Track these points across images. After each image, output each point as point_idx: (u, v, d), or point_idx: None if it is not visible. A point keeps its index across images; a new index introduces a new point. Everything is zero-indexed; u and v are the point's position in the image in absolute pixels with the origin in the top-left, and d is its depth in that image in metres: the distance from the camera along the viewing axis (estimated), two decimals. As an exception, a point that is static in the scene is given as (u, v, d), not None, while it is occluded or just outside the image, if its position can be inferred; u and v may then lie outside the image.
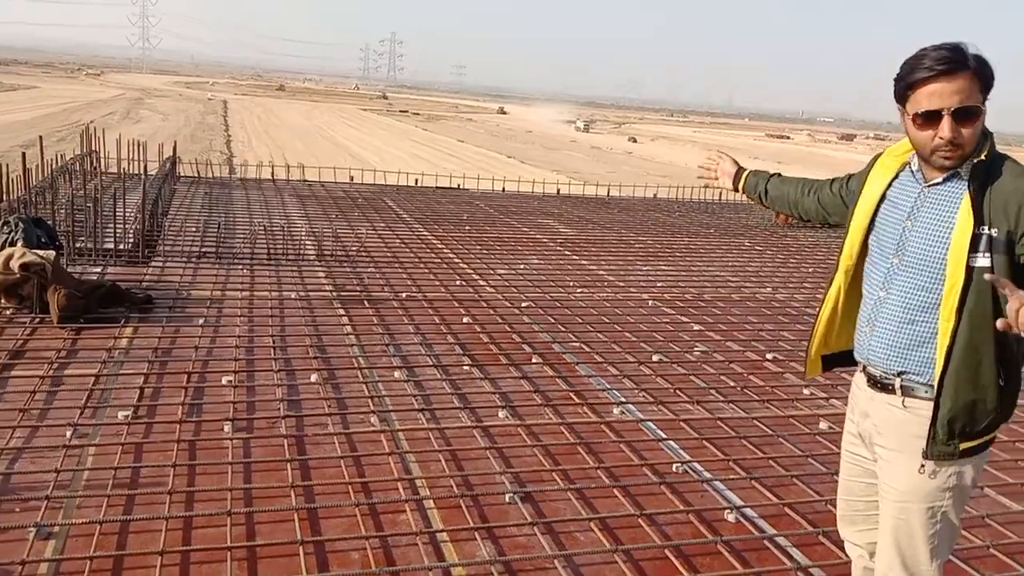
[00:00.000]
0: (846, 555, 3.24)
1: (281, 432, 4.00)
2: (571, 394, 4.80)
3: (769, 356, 5.84)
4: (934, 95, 1.97)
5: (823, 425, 4.64)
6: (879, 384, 2.19)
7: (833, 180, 2.58)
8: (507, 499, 3.52)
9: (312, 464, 3.71)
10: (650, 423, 4.48)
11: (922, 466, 2.10)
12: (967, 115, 1.98)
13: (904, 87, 2.04)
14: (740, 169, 2.82)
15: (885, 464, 2.19)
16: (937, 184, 2.09)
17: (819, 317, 2.38)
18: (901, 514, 2.15)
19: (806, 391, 5.17)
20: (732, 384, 5.21)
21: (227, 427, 4.01)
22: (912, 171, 2.17)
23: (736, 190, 2.79)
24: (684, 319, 6.69)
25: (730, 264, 9.26)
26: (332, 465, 3.71)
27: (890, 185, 2.21)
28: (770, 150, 70.27)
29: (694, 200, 15.18)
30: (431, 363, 5.12)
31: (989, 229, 1.97)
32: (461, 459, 3.88)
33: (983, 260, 1.97)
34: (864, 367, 2.26)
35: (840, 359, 2.42)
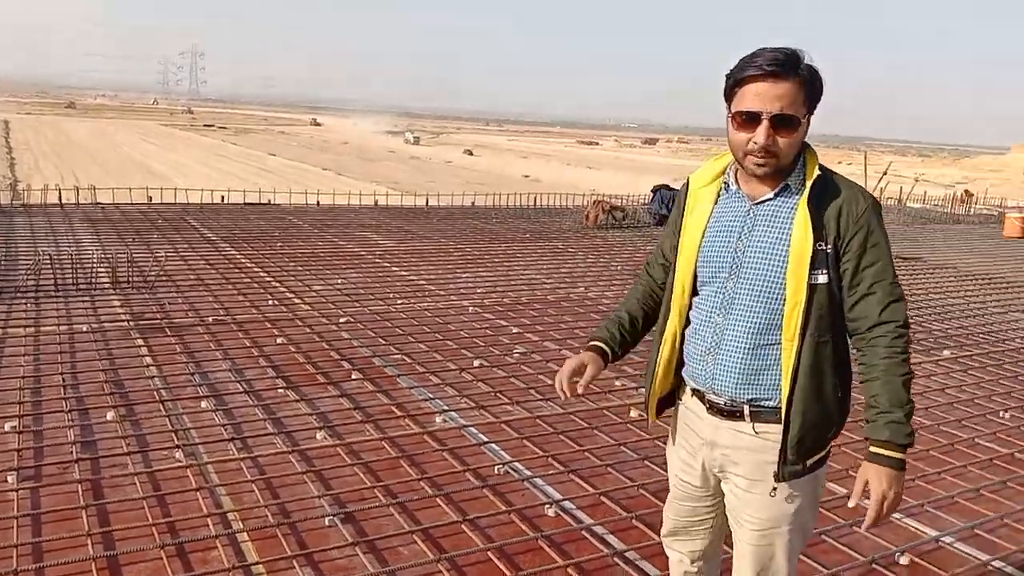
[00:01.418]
0: (658, 537, 3.43)
1: (74, 477, 3.68)
2: (392, 407, 4.75)
3: (584, 353, 6.04)
4: (757, 96, 1.87)
5: (633, 414, 4.86)
6: (724, 412, 2.05)
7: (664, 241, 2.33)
8: (327, 522, 3.42)
9: (111, 508, 3.44)
10: (472, 428, 4.51)
11: (774, 489, 2.03)
12: (786, 124, 1.88)
13: (732, 83, 1.92)
14: (593, 348, 2.28)
15: (743, 494, 2.07)
16: (767, 201, 1.99)
17: (656, 362, 2.18)
18: (763, 540, 2.07)
19: (617, 383, 5.40)
20: (549, 383, 5.34)
21: (11, 478, 3.64)
22: (732, 191, 2.05)
23: (609, 363, 2.27)
24: (503, 323, 6.81)
25: (545, 267, 9.53)
26: (133, 507, 3.46)
27: (712, 211, 2.07)
28: (581, 155, 73.15)
29: (510, 206, 15.50)
30: (242, 389, 4.89)
31: (825, 245, 1.92)
32: (276, 487, 3.74)
33: (823, 277, 1.92)
34: (703, 395, 2.10)
35: (671, 397, 2.24)
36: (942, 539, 3.58)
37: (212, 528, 3.32)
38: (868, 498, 1.93)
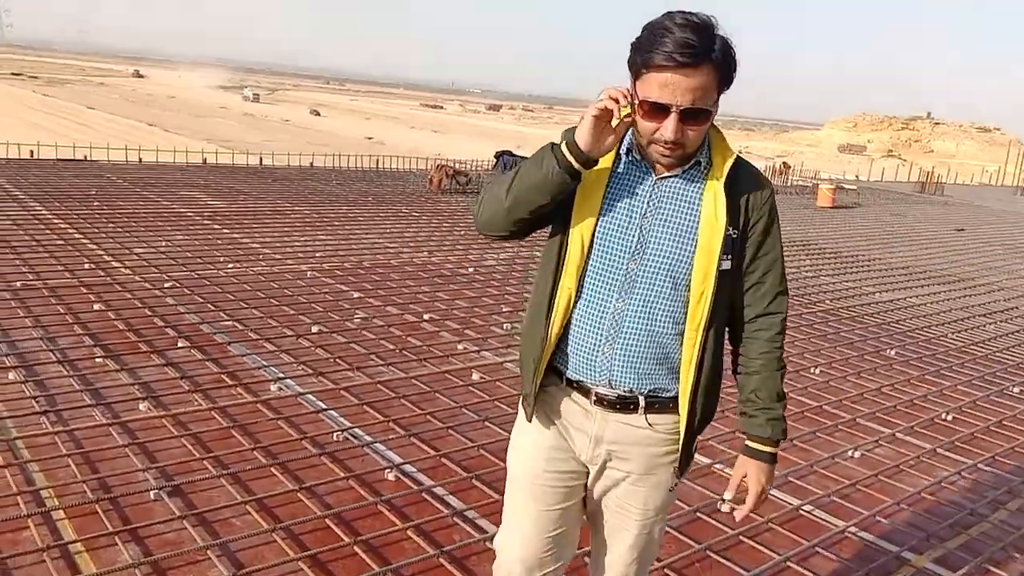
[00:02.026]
0: (497, 495, 3.49)
1: None
2: (223, 376, 4.54)
3: (426, 317, 6.03)
4: (667, 87, 1.66)
5: (475, 376, 4.91)
6: (616, 405, 1.87)
7: None
8: (152, 496, 3.23)
9: None
10: (310, 395, 4.40)
11: (675, 484, 1.96)
12: (696, 116, 1.69)
13: (639, 63, 1.69)
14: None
15: (630, 487, 1.94)
16: (674, 177, 1.81)
17: (543, 344, 1.88)
18: (645, 530, 1.99)
19: (459, 346, 5.42)
20: (391, 347, 5.29)
21: None
22: (634, 158, 1.83)
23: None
24: (344, 288, 6.66)
25: (388, 231, 9.39)
26: (-75, 491, 3.13)
27: (610, 177, 1.83)
28: (426, 119, 72.46)
29: (352, 168, 15.13)
30: (55, 359, 4.52)
31: (734, 231, 1.80)
32: (96, 461, 3.49)
33: (727, 263, 1.79)
34: (587, 388, 1.88)
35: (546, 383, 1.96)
36: (802, 508, 3.82)
37: (23, 507, 3.07)
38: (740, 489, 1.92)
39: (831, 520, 3.63)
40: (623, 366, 1.84)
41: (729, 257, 1.80)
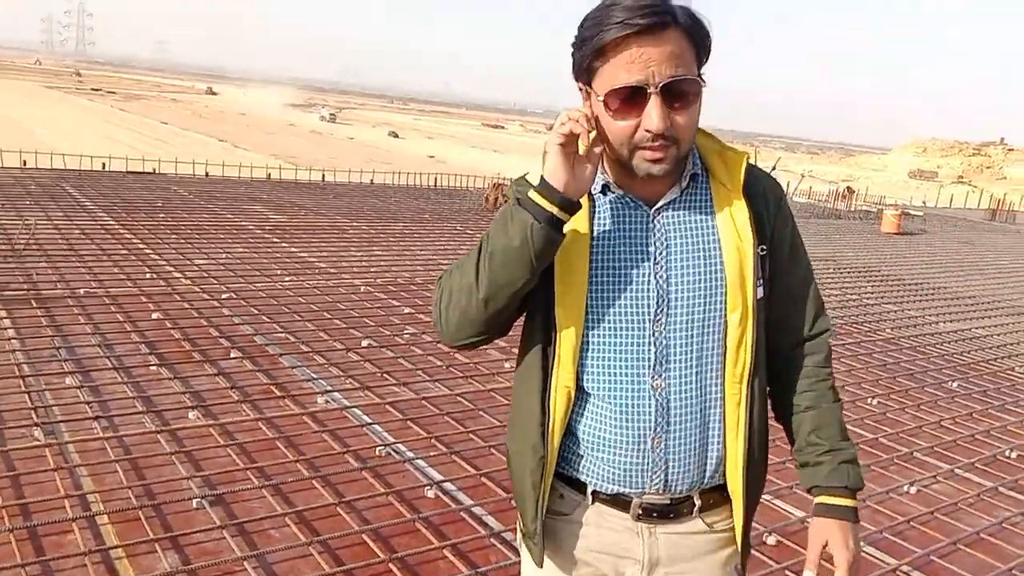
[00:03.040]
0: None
1: (-86, 458, 3.41)
2: (272, 387, 4.60)
3: (475, 334, 6.01)
4: (635, 63, 1.28)
5: (521, 396, 4.87)
6: (666, 513, 1.46)
7: None
8: (194, 504, 3.28)
9: (-46, 491, 3.20)
10: (355, 409, 4.42)
11: None
12: (683, 94, 1.31)
13: (589, 56, 1.32)
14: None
15: None
16: (673, 203, 1.43)
17: (544, 456, 1.45)
18: None
19: (506, 365, 5.40)
20: (439, 363, 5.30)
21: None
22: (615, 194, 1.44)
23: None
24: (396, 303, 6.71)
25: (443, 247, 9.45)
26: (-20, 489, 3.23)
27: (593, 227, 1.43)
28: (489, 139, 73.08)
29: (411, 186, 15.31)
30: (111, 366, 4.64)
31: (758, 246, 1.43)
32: (143, 467, 3.56)
33: (760, 290, 1.44)
34: (627, 500, 1.45)
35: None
36: (807, 520, 3.74)
37: (69, 511, 3.14)
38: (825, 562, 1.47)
39: (884, 558, 3.49)
40: (680, 461, 1.42)
41: (762, 281, 1.45)
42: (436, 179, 15.89)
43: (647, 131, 1.31)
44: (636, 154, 1.35)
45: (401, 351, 5.47)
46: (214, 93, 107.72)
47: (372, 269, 7.90)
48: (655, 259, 1.41)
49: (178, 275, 6.84)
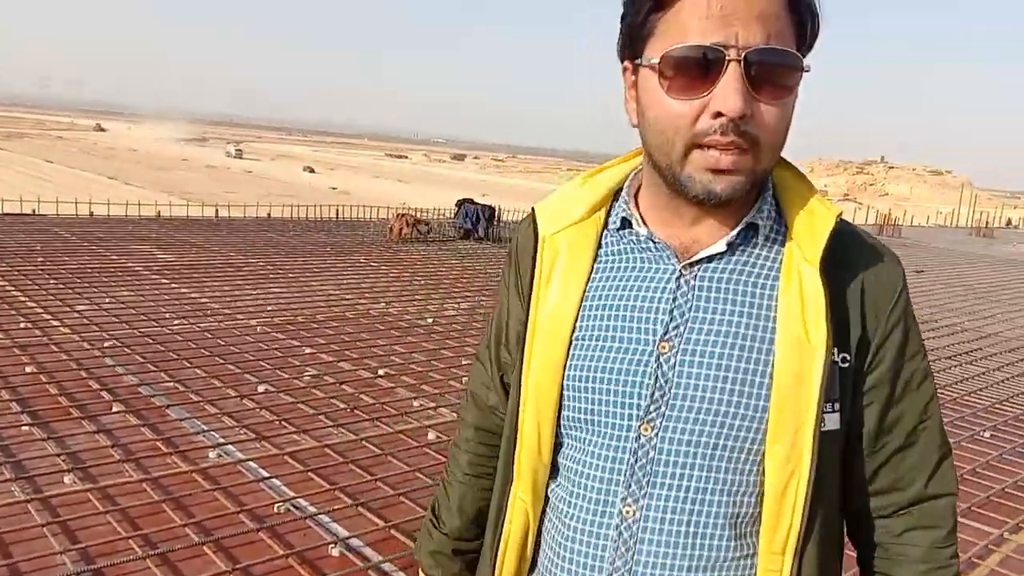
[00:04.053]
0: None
1: None
2: (158, 443, 4.23)
3: (381, 372, 5.77)
4: (711, 17, 0.86)
5: (431, 436, 4.65)
6: None
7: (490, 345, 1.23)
8: (66, 584, 2.93)
9: None
10: (251, 463, 4.11)
11: None
12: (776, 74, 0.89)
13: (646, 9, 0.90)
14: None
15: None
16: (717, 259, 0.98)
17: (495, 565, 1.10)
18: None
19: (415, 403, 5.17)
20: (342, 406, 5.02)
21: None
22: (637, 235, 1.02)
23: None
24: (295, 343, 6.38)
25: (345, 282, 9.14)
26: None
27: (591, 275, 1.04)
28: (391, 169, 72.71)
29: (311, 219, 14.90)
30: (-27, 428, 4.19)
31: (845, 356, 0.96)
32: (9, 543, 3.18)
33: (833, 419, 0.96)
34: None
35: None
36: None
37: (-86, 603, 2.75)
38: None
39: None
40: None
41: (838, 407, 0.96)
42: (338, 211, 15.52)
43: (718, 115, 0.87)
44: (693, 156, 0.90)
45: (301, 395, 5.16)
46: (103, 129, 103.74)
47: (269, 307, 7.53)
48: (666, 333, 0.97)
49: (56, 323, 6.32)
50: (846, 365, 0.97)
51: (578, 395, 1.01)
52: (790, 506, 0.94)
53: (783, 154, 0.98)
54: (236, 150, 68.70)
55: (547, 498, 1.08)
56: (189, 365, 5.55)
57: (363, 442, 4.50)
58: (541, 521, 1.08)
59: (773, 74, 0.88)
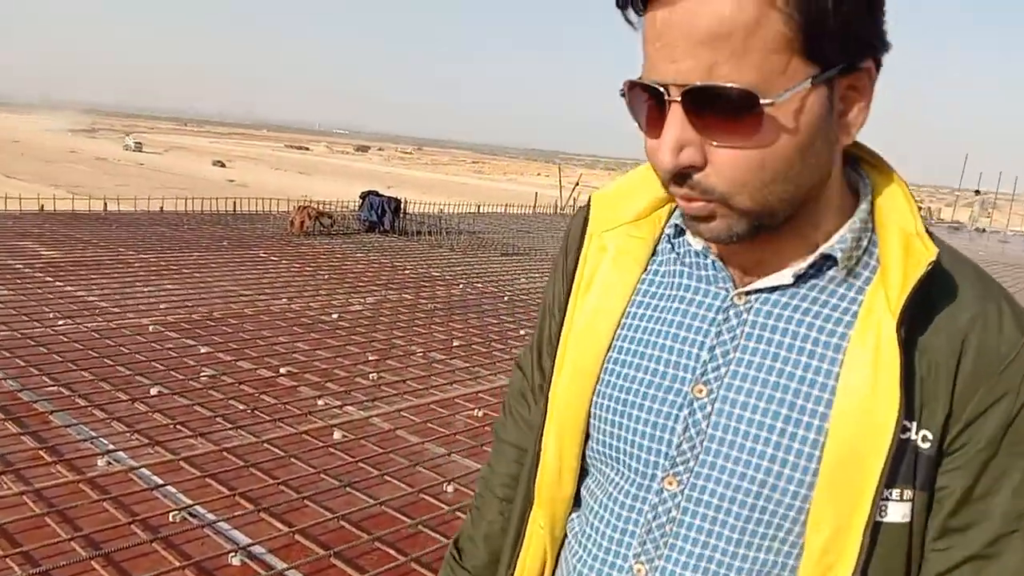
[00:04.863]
0: (358, 574, 3.13)
1: None
2: (41, 452, 3.95)
3: (283, 370, 5.57)
4: (660, 47, 0.72)
5: (337, 435, 4.52)
6: None
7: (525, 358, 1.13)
8: (-67, 612, 2.68)
9: None
10: (143, 470, 3.88)
11: None
12: (728, 112, 0.71)
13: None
14: None
15: None
16: (780, 292, 0.83)
17: None
18: None
19: (320, 402, 5.01)
20: (242, 407, 4.82)
21: None
22: (693, 251, 0.88)
23: None
24: (191, 342, 6.09)
25: (243, 277, 8.82)
26: None
27: (638, 290, 0.92)
28: (292, 160, 71.01)
29: (207, 211, 14.33)
30: None
31: (919, 431, 0.78)
32: None
33: (899, 509, 0.78)
34: None
35: None
36: None
37: None
38: None
39: None
40: None
41: (910, 490, 0.79)
42: (235, 203, 14.99)
43: (658, 163, 0.76)
44: (680, 203, 0.80)
45: (197, 397, 4.92)
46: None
47: (162, 305, 7.18)
48: (704, 374, 0.84)
49: (-77, 327, 5.85)
50: (927, 445, 0.78)
51: (603, 426, 0.90)
52: None
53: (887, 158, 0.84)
54: (135, 143, 65.23)
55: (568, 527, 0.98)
56: (75, 367, 5.22)
57: (265, 444, 4.32)
58: (561, 551, 0.98)
59: (724, 113, 0.71)
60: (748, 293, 0.84)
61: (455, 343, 6.80)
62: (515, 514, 1.02)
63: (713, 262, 0.86)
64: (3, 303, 6.71)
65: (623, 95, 0.78)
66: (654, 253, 0.91)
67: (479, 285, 9.65)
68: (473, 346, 6.75)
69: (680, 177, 0.75)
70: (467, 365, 6.15)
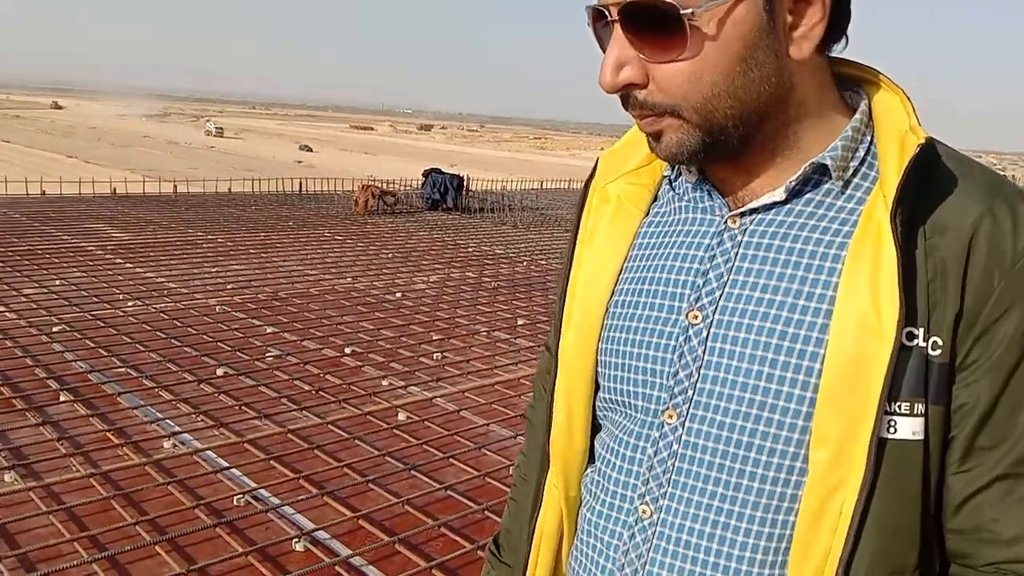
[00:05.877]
0: (424, 562, 3.03)
1: None
2: (109, 434, 3.96)
3: (347, 350, 5.52)
4: None
5: (402, 417, 4.43)
6: None
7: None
8: (1, 595, 2.68)
9: None
10: (209, 452, 3.85)
11: None
12: (657, 26, 0.72)
13: None
14: None
15: None
16: (772, 209, 0.80)
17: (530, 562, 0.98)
18: None
19: (384, 382, 4.93)
20: (307, 388, 4.77)
21: None
22: (686, 183, 0.88)
23: None
24: (257, 322, 6.10)
25: (309, 257, 8.84)
26: None
27: (639, 234, 0.90)
28: (357, 140, 71.77)
29: (274, 192, 14.48)
30: (-97, 426, 3.89)
31: (927, 336, 0.72)
32: (-60, 553, 2.91)
33: (909, 425, 0.72)
34: None
35: None
36: None
37: None
38: None
39: None
40: None
41: (921, 403, 0.72)
42: (302, 184, 15.11)
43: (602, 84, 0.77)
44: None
45: (263, 377, 4.90)
46: (60, 107, 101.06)
47: (229, 286, 7.22)
48: (698, 299, 0.81)
49: (1, 308, 5.98)
50: (937, 353, 0.72)
51: (608, 371, 0.88)
52: (829, 528, 0.74)
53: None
54: (217, 128, 65.33)
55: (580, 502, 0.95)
56: (143, 349, 5.25)
57: (329, 426, 4.26)
58: (579, 512, 0.94)
59: (654, 28, 0.73)
60: (742, 215, 0.82)
61: (519, 321, 6.66)
62: (532, 479, 1.01)
63: (709, 192, 0.85)
64: (75, 285, 6.82)
65: (589, 25, 0.79)
66: (656, 199, 0.91)
67: (543, 262, 9.48)
68: (538, 325, 6.60)
69: (630, 99, 0.77)
70: (532, 344, 6.00)
